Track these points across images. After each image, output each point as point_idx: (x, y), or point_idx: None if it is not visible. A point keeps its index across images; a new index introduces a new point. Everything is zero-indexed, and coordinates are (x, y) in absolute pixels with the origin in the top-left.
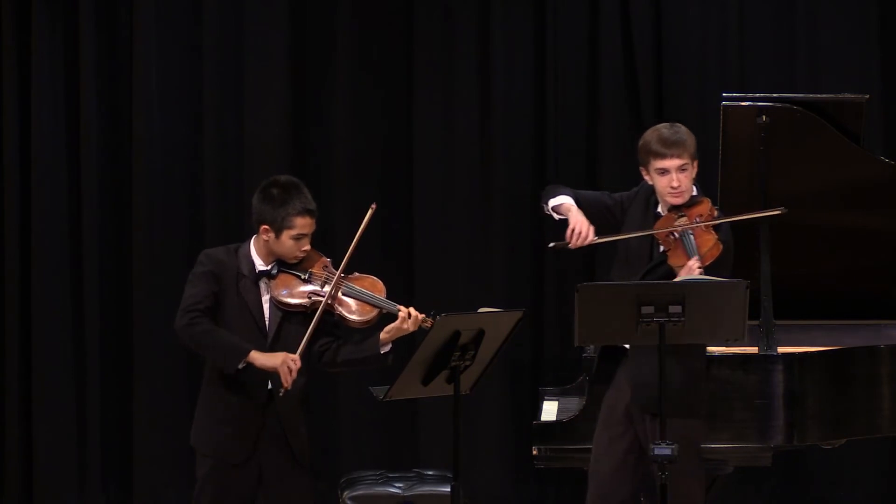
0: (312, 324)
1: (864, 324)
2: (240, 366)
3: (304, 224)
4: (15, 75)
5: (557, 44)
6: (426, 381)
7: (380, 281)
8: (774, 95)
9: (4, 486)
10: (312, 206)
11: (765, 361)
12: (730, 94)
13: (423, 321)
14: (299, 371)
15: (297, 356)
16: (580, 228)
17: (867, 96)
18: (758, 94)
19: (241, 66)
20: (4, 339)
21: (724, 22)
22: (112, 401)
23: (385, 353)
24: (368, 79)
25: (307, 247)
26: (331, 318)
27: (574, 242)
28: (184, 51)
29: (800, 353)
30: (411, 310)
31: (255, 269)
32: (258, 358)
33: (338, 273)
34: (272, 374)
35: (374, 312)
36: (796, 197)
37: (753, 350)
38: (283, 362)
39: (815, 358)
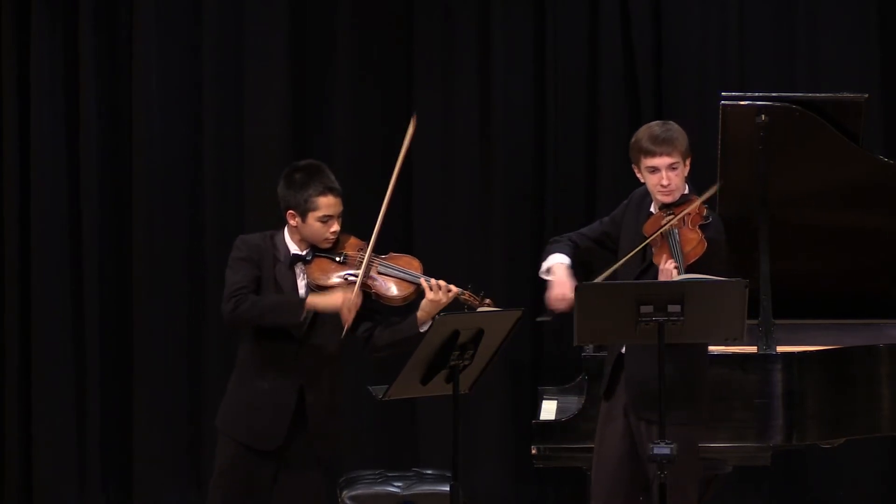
0: (356, 288)
1: (864, 323)
2: (303, 316)
3: (327, 204)
4: (15, 75)
5: (557, 44)
6: (425, 380)
7: (416, 259)
8: (774, 95)
9: (4, 486)
10: (335, 185)
11: (764, 361)
12: (729, 94)
13: (462, 294)
14: (331, 374)
15: (355, 293)
16: (557, 293)
17: (866, 96)
18: (757, 94)
19: (241, 66)
20: (4, 339)
21: (724, 22)
22: (112, 401)
23: (425, 331)
24: (368, 79)
25: (336, 227)
26: (369, 303)
27: (557, 308)
28: (184, 51)
29: (799, 353)
30: (441, 282)
31: (290, 255)
32: (318, 302)
33: (369, 249)
34: (303, 369)
35: (412, 288)
36: (796, 196)
37: (753, 349)
38: (344, 301)
39: (815, 357)
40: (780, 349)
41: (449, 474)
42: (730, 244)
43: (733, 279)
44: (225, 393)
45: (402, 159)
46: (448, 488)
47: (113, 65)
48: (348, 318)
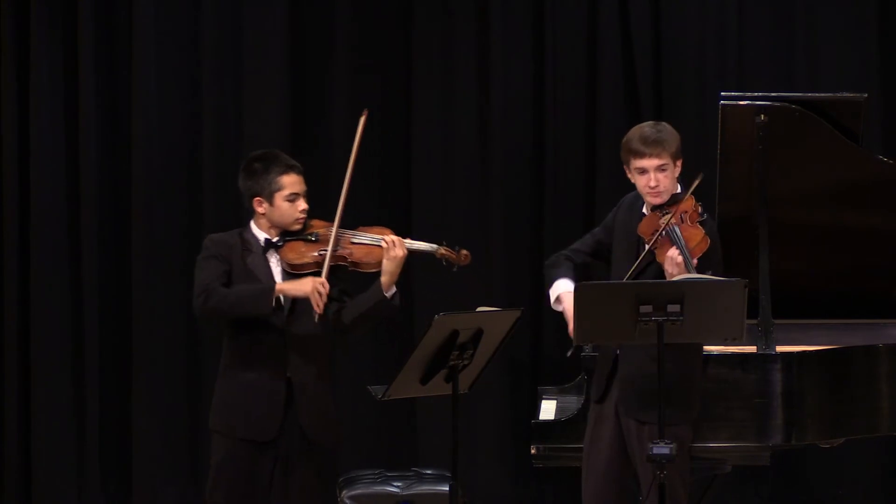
0: (326, 260)
1: (863, 323)
2: (273, 304)
3: (291, 182)
4: (14, 75)
5: (556, 44)
6: (425, 380)
7: (388, 229)
8: (773, 94)
9: (4, 485)
10: (296, 163)
11: (763, 360)
12: (728, 94)
13: (438, 250)
14: (319, 362)
15: (324, 279)
16: None
17: (865, 95)
18: (756, 94)
19: (241, 66)
20: (4, 338)
21: (723, 21)
22: (111, 400)
23: (391, 295)
24: (368, 79)
25: (304, 206)
26: (342, 284)
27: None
28: (183, 50)
29: (798, 353)
30: (395, 237)
31: (261, 243)
32: (287, 288)
33: (336, 220)
34: (289, 355)
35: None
36: (796, 196)
37: (752, 349)
38: (314, 288)
39: (814, 357)
40: (779, 349)
41: (448, 474)
42: (729, 244)
43: (733, 279)
44: (214, 394)
45: (355, 154)
46: (448, 488)
47: (112, 64)
48: (319, 302)
